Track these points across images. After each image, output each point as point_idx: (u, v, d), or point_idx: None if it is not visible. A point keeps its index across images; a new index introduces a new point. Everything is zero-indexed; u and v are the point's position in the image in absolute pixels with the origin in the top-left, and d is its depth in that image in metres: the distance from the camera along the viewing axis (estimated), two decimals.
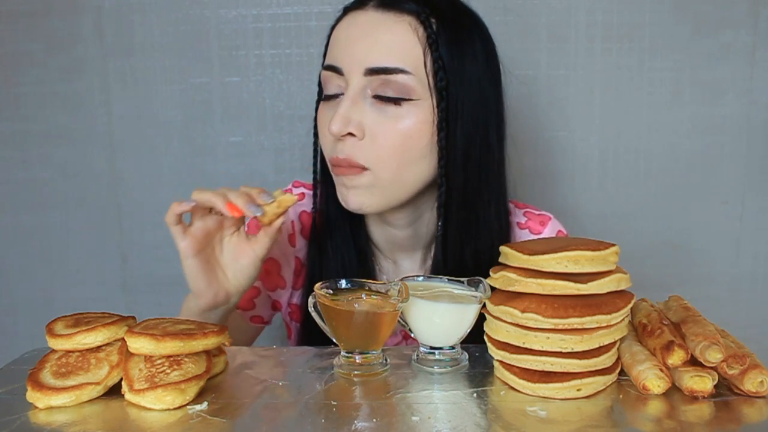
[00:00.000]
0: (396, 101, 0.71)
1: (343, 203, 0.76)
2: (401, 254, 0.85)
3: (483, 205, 0.78)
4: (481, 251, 0.78)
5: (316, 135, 0.81)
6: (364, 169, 0.72)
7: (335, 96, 0.74)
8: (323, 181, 0.82)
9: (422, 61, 0.71)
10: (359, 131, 0.72)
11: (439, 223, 0.77)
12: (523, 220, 0.87)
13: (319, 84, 0.79)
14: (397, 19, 0.72)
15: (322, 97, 0.77)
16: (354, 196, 0.74)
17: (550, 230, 0.87)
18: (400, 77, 0.71)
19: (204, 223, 0.70)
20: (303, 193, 0.88)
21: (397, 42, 0.71)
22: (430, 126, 0.73)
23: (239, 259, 0.72)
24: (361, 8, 0.74)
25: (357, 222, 0.84)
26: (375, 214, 0.79)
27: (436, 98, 0.72)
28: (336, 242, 0.83)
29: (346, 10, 0.76)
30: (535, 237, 0.85)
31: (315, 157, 0.82)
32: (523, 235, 0.86)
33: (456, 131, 0.73)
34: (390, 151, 0.72)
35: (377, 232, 0.85)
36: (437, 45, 0.71)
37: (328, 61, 0.75)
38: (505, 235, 0.81)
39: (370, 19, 0.72)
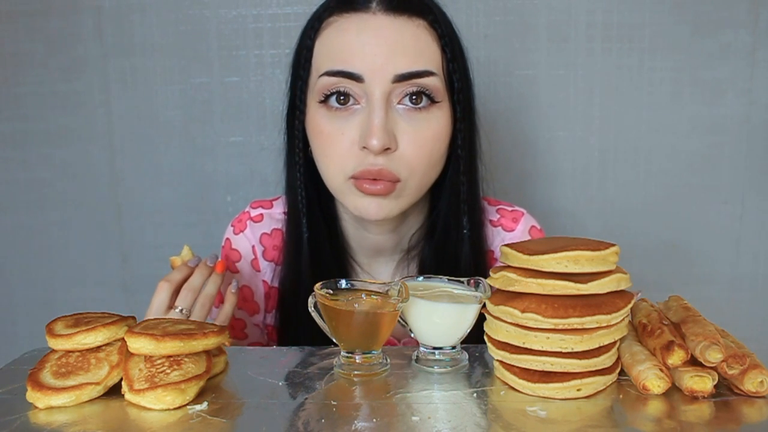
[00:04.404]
0: (425, 106, 0.71)
1: (360, 214, 0.73)
2: (380, 260, 0.84)
3: (475, 200, 0.80)
4: (475, 251, 0.80)
5: (291, 149, 0.78)
6: (398, 180, 0.71)
7: (344, 104, 0.71)
8: (299, 197, 0.79)
9: (441, 64, 0.72)
10: (394, 142, 0.70)
11: (465, 219, 0.78)
12: (496, 217, 0.86)
13: (296, 86, 0.75)
14: (413, 23, 0.70)
15: (330, 104, 0.71)
16: (378, 207, 0.72)
17: (523, 226, 0.86)
18: (430, 80, 0.70)
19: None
20: (261, 214, 0.87)
21: (423, 46, 0.70)
22: (450, 129, 0.74)
23: None
24: (365, 11, 0.70)
25: (335, 236, 0.82)
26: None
27: (454, 100, 0.73)
28: (314, 262, 0.80)
29: (333, 11, 0.72)
30: (508, 234, 0.86)
31: (292, 170, 0.80)
32: (496, 233, 0.86)
33: (464, 131, 0.75)
34: (421, 159, 0.71)
35: (356, 240, 0.83)
36: (451, 46, 0.72)
37: (337, 66, 0.70)
38: (480, 232, 0.82)
39: (384, 23, 0.70)
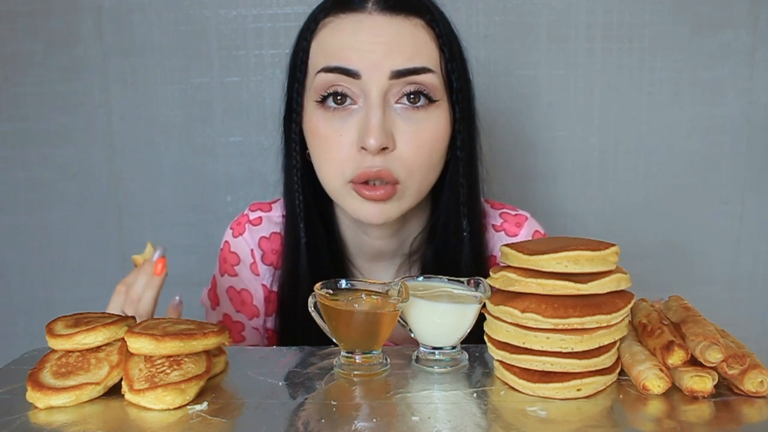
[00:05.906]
0: (423, 105, 0.70)
1: (359, 218, 0.73)
2: (380, 264, 0.83)
3: (475, 203, 0.79)
4: (475, 255, 0.79)
5: (289, 152, 0.78)
6: (397, 182, 0.70)
7: (341, 104, 0.70)
8: (296, 200, 0.78)
9: (439, 62, 0.71)
10: (392, 142, 0.69)
11: (465, 222, 0.77)
12: (498, 222, 0.85)
13: (293, 89, 0.75)
14: (410, 22, 0.70)
15: (327, 105, 0.71)
16: (378, 211, 0.71)
17: (526, 231, 0.85)
18: (427, 77, 0.70)
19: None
20: (260, 217, 0.86)
21: (420, 44, 0.70)
22: (449, 129, 0.73)
23: None
24: (361, 11, 0.70)
25: (333, 241, 0.82)
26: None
27: (452, 100, 0.73)
28: (312, 267, 0.79)
29: (329, 12, 0.72)
30: (511, 240, 0.84)
31: (289, 173, 0.79)
32: (498, 238, 0.84)
33: (464, 132, 0.75)
34: (420, 159, 0.71)
35: (355, 244, 0.82)
36: (449, 45, 0.72)
37: (333, 62, 0.69)
38: (480, 235, 0.81)
39: (381, 22, 0.69)
